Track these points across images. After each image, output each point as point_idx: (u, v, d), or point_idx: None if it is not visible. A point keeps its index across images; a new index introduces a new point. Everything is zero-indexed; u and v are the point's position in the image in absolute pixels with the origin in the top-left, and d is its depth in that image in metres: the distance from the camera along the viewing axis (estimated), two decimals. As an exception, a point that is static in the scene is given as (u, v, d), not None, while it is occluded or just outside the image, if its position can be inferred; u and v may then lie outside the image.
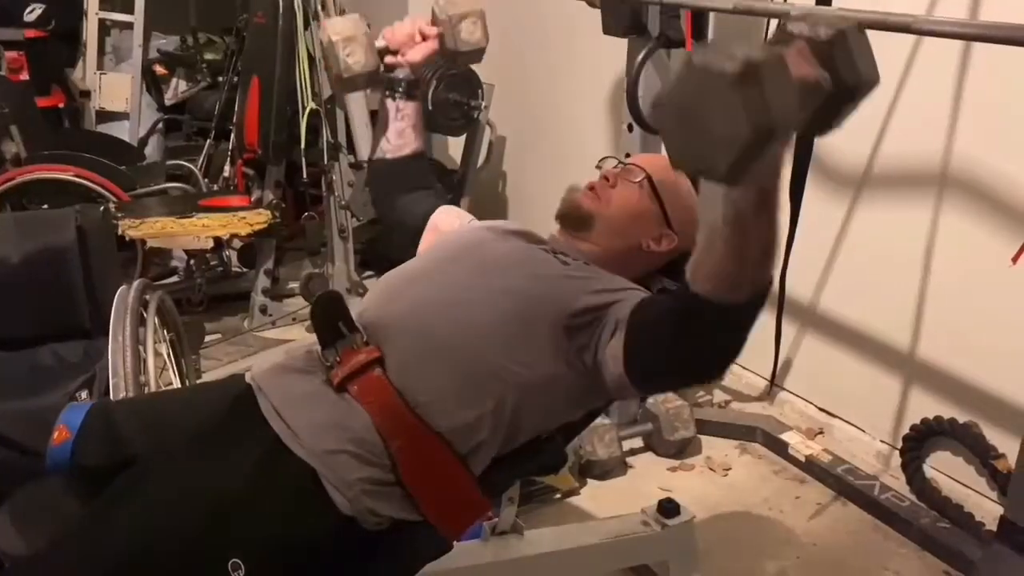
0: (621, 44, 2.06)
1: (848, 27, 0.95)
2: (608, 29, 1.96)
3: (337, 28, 1.38)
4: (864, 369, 2.35)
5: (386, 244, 3.48)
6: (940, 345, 2.15)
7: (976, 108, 1.97)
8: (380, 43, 1.44)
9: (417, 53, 1.47)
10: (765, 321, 2.53)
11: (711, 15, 2.15)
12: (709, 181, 0.83)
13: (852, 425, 2.44)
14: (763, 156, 0.77)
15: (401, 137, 1.50)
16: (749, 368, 2.71)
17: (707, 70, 0.76)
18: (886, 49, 1.94)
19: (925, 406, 2.18)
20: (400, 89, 1.46)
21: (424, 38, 1.48)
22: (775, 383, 2.58)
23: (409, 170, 1.53)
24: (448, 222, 1.49)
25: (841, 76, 0.94)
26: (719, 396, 2.72)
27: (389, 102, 1.49)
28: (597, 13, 1.93)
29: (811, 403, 2.56)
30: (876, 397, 2.32)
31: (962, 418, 2.09)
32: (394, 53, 1.47)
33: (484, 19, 1.47)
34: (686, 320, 1.01)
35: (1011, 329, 1.96)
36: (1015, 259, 1.47)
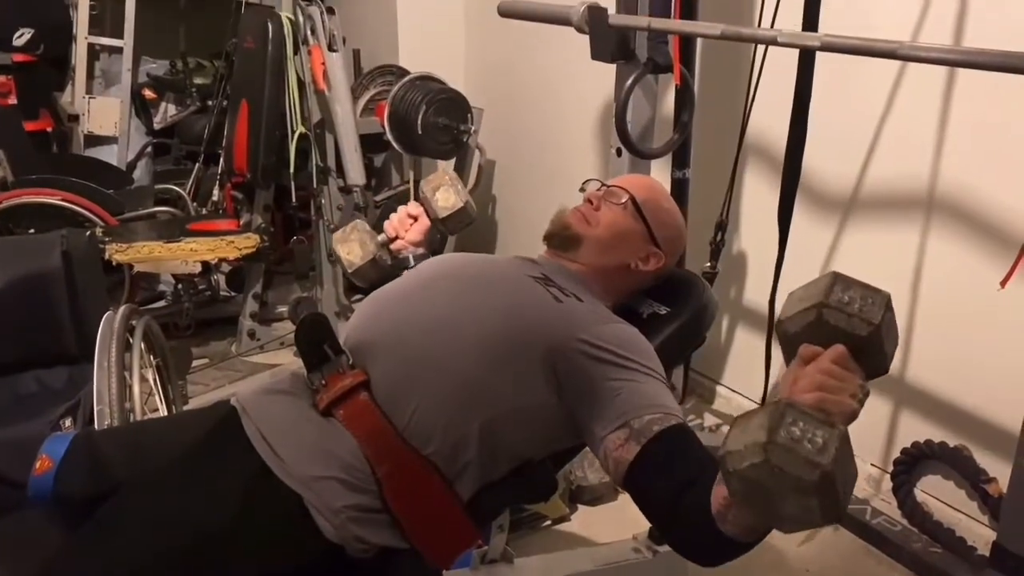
0: (609, 69, 2.07)
1: (883, 318, 0.92)
2: (596, 55, 1.97)
3: (337, 236, 1.61)
4: (854, 392, 2.34)
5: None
6: (930, 368, 2.15)
7: (962, 132, 1.98)
8: (383, 237, 1.61)
9: (414, 233, 1.59)
10: (754, 343, 2.54)
11: (698, 41, 2.17)
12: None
13: (843, 449, 2.43)
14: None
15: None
16: (739, 391, 2.70)
17: (785, 474, 0.77)
18: (873, 72, 1.98)
19: (915, 430, 2.17)
20: (411, 266, 1.53)
21: (414, 218, 1.60)
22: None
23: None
24: None
25: (872, 365, 0.94)
26: (709, 419, 2.71)
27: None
28: (586, 38, 1.94)
29: (801, 427, 2.55)
30: (866, 420, 2.29)
31: (952, 442, 2.09)
32: (394, 240, 1.61)
33: (456, 183, 1.61)
34: (701, 539, 1.00)
35: (1000, 353, 1.97)
36: (1003, 283, 1.47)
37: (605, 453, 1.12)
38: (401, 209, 1.64)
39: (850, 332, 0.91)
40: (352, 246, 1.57)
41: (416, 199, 1.64)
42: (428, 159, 3.35)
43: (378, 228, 1.64)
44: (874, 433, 2.30)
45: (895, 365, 2.20)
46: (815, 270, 2.37)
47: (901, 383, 2.21)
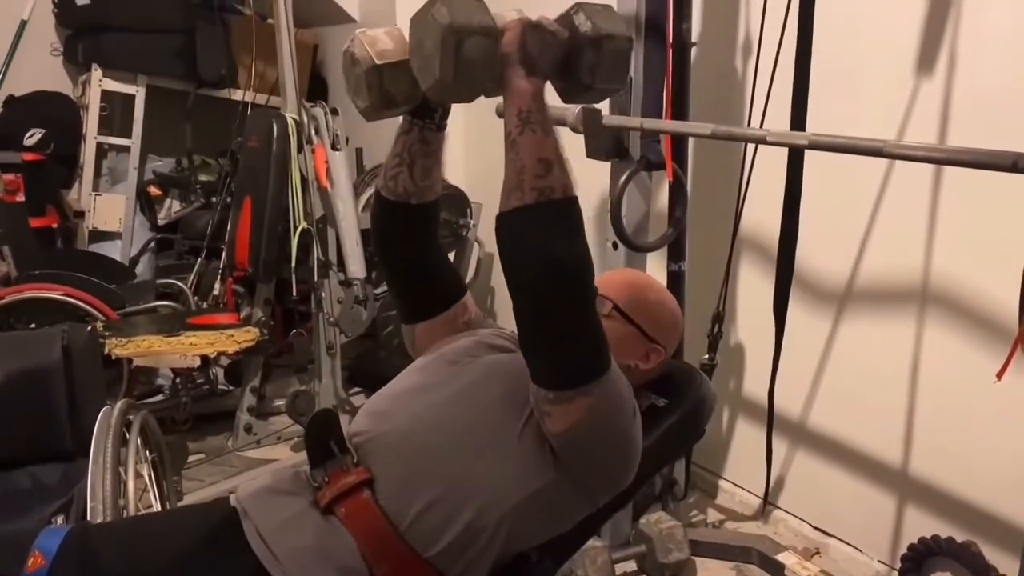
0: (604, 165, 2.13)
1: (585, 3, 1.14)
2: (591, 153, 2.03)
3: (379, 48, 1.20)
4: (858, 486, 2.32)
5: (374, 358, 3.48)
6: (933, 462, 2.13)
7: (950, 225, 2.02)
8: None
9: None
10: (755, 435, 2.53)
11: (690, 140, 2.24)
12: (444, 95, 1.12)
13: (849, 544, 2.38)
14: (463, 54, 1.04)
15: (428, 177, 1.35)
16: (742, 486, 2.67)
17: (415, 16, 1.08)
18: (863, 167, 2.03)
19: (922, 525, 2.13)
20: (435, 118, 1.32)
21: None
22: (769, 501, 2.54)
23: (435, 221, 1.40)
24: (472, 311, 1.50)
25: (577, 29, 1.12)
26: (713, 515, 2.67)
27: (417, 135, 1.34)
28: (580, 137, 2.00)
29: (806, 522, 2.51)
30: (872, 515, 2.28)
31: (960, 537, 2.05)
32: None
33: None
34: (498, 245, 1.09)
35: (1003, 446, 1.95)
36: (1000, 374, 1.47)
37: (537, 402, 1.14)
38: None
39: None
40: (382, 41, 1.20)
41: None
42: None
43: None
44: (880, 529, 2.26)
45: (896, 457, 2.18)
46: (813, 361, 2.38)
47: (905, 477, 2.18)
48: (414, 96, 1.24)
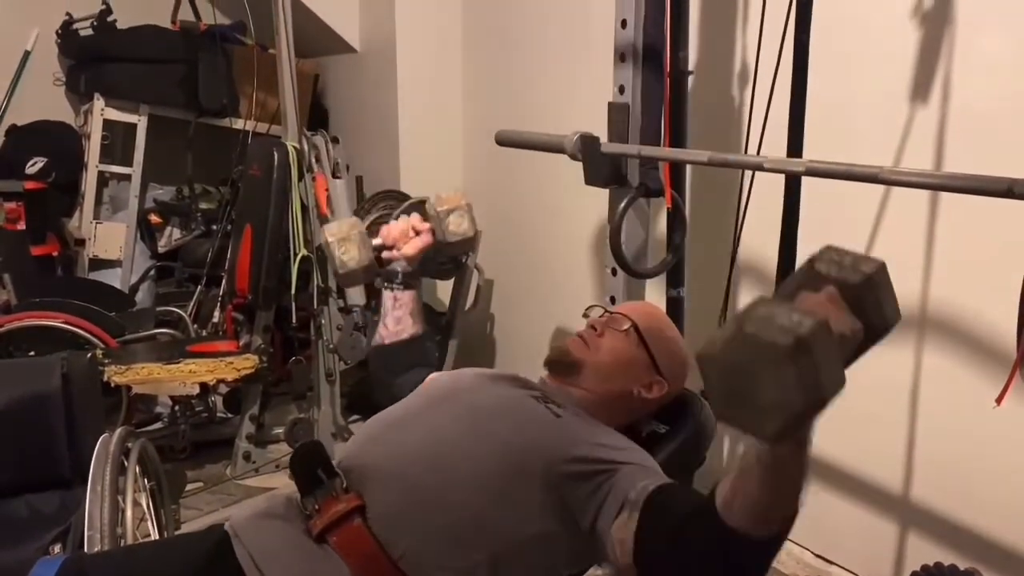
0: (603, 192, 2.14)
1: (877, 269, 0.93)
2: (590, 180, 2.04)
3: (333, 230, 1.51)
4: (859, 513, 2.30)
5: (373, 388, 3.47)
6: (935, 488, 2.12)
7: (947, 250, 2.03)
8: (377, 241, 1.55)
9: (411, 247, 1.55)
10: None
11: (688, 167, 2.25)
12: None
13: (851, 572, 2.36)
14: (810, 423, 0.79)
15: (399, 324, 1.56)
16: (743, 512, 2.65)
17: (759, 341, 0.76)
18: (860, 192, 2.04)
19: (924, 552, 2.12)
20: (397, 281, 1.54)
21: (417, 233, 1.56)
22: (770, 528, 2.51)
23: (408, 351, 1.56)
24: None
25: (872, 322, 0.92)
26: (714, 542, 2.64)
27: (387, 292, 1.56)
28: (579, 164, 2.01)
29: (808, 549, 2.49)
30: (873, 542, 2.27)
31: (963, 564, 2.03)
32: (390, 248, 1.56)
33: (471, 211, 1.58)
34: (713, 547, 0.95)
35: (1005, 472, 1.95)
36: (999, 400, 1.47)
37: (613, 544, 1.09)
38: (404, 219, 1.58)
39: (842, 279, 0.91)
40: (351, 247, 1.50)
41: (424, 219, 1.59)
42: (426, 279, 3.40)
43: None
44: (883, 556, 2.24)
45: (897, 484, 2.17)
46: (813, 387, 2.37)
47: (907, 504, 2.17)
48: (366, 261, 1.51)
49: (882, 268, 0.93)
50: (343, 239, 1.50)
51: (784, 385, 0.74)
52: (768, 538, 0.93)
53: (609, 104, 2.12)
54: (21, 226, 3.55)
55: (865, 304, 0.91)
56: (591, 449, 1.18)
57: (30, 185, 3.68)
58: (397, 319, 1.56)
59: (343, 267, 1.50)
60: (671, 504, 1.06)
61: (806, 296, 0.90)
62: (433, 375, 1.45)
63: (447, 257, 3.04)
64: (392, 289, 1.56)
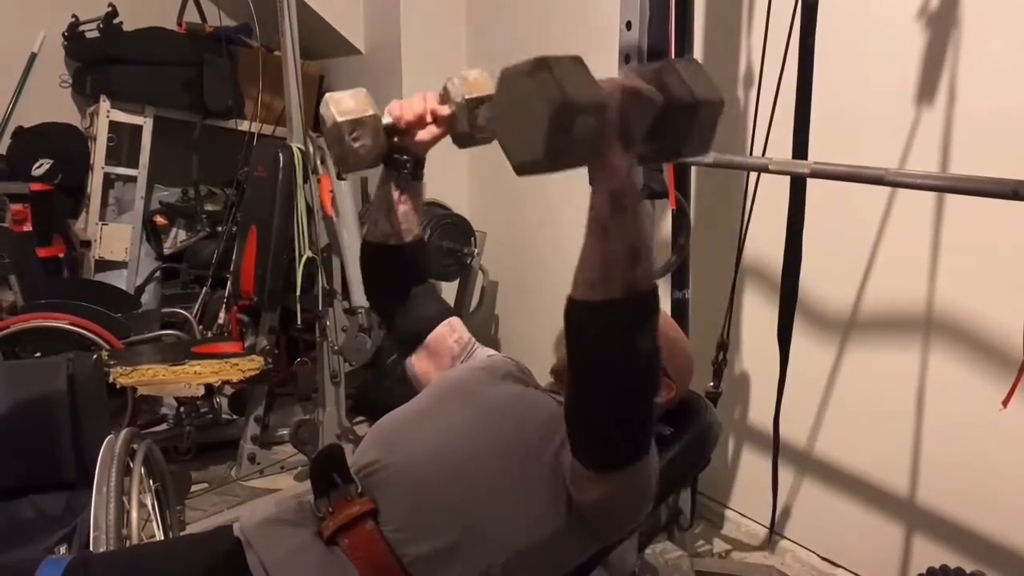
0: (608, 195, 2.14)
1: (676, 59, 1.04)
2: (595, 182, 2.04)
3: (343, 107, 1.24)
4: (865, 516, 2.30)
5: (377, 387, 3.47)
6: (940, 491, 2.11)
7: (953, 252, 2.03)
8: (387, 120, 1.30)
9: (428, 134, 1.33)
10: (761, 464, 2.51)
11: (692, 168, 2.25)
12: (533, 171, 0.95)
13: (856, 575, 2.36)
14: (572, 132, 0.89)
15: (406, 220, 1.38)
16: (748, 516, 2.64)
17: (511, 74, 0.92)
18: (865, 195, 2.04)
19: (930, 554, 2.11)
20: (407, 169, 1.35)
21: (435, 119, 1.33)
22: (775, 531, 2.51)
23: (415, 259, 1.44)
24: (461, 333, 1.47)
25: (673, 93, 1.00)
26: (719, 545, 2.64)
27: (392, 184, 1.37)
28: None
29: (813, 552, 2.48)
30: (879, 545, 2.26)
31: (969, 567, 2.02)
32: (401, 132, 1.32)
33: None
34: (569, 331, 1.00)
35: (1010, 474, 1.94)
36: (1005, 402, 1.47)
37: (567, 463, 1.12)
38: (421, 99, 1.32)
39: (638, 69, 1.05)
40: (363, 131, 1.24)
41: (443, 101, 1.33)
42: (432, 281, 3.41)
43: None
44: (888, 559, 2.23)
45: (903, 486, 2.17)
46: (818, 389, 2.37)
47: (913, 506, 2.16)
48: (378, 152, 1.29)
49: (688, 59, 1.08)
50: (356, 121, 1.24)
51: (533, 100, 0.88)
52: (606, 299, 0.96)
53: (614, 106, 2.12)
54: (27, 228, 3.57)
55: (664, 79, 1.01)
56: None
57: (36, 187, 3.70)
58: (404, 214, 1.37)
59: (352, 156, 1.25)
60: None
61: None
62: (442, 374, 1.45)
63: (450, 254, 3.03)
64: (399, 181, 1.36)
